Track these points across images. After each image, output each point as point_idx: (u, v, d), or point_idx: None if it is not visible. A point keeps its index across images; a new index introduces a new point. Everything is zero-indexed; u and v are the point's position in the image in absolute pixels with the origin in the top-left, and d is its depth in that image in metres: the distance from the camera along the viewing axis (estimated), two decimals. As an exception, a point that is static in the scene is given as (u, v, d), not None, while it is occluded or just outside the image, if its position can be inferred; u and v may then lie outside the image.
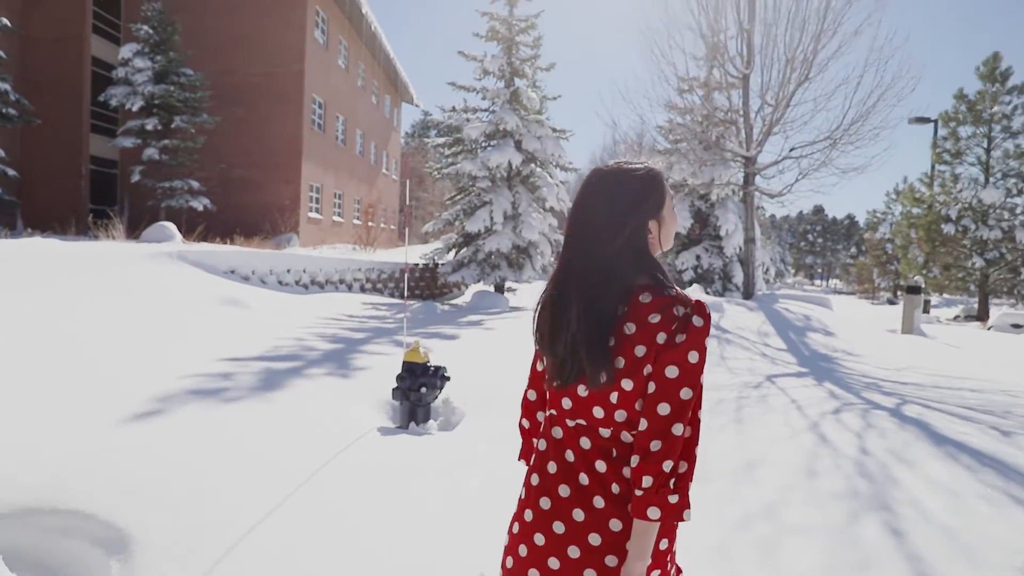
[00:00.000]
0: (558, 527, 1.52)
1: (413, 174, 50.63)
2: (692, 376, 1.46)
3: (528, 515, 1.58)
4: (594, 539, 1.49)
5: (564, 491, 1.53)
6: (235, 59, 23.36)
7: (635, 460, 1.45)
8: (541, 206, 19.08)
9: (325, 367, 6.69)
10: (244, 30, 23.40)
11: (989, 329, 20.60)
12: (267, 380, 5.86)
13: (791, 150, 14.18)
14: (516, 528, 1.62)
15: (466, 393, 6.05)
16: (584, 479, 1.51)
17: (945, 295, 34.34)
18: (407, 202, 5.89)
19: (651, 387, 1.46)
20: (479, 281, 18.95)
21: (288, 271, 14.50)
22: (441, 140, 19.52)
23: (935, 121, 27.48)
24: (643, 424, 1.45)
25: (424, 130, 66.96)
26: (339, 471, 4.06)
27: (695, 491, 3.93)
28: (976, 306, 29.04)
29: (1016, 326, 19.41)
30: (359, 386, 6.06)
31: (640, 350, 1.45)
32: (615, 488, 1.49)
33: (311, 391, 5.72)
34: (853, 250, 75.59)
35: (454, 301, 19.69)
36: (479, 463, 4.44)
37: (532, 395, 1.78)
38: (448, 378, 5.46)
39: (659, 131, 19.03)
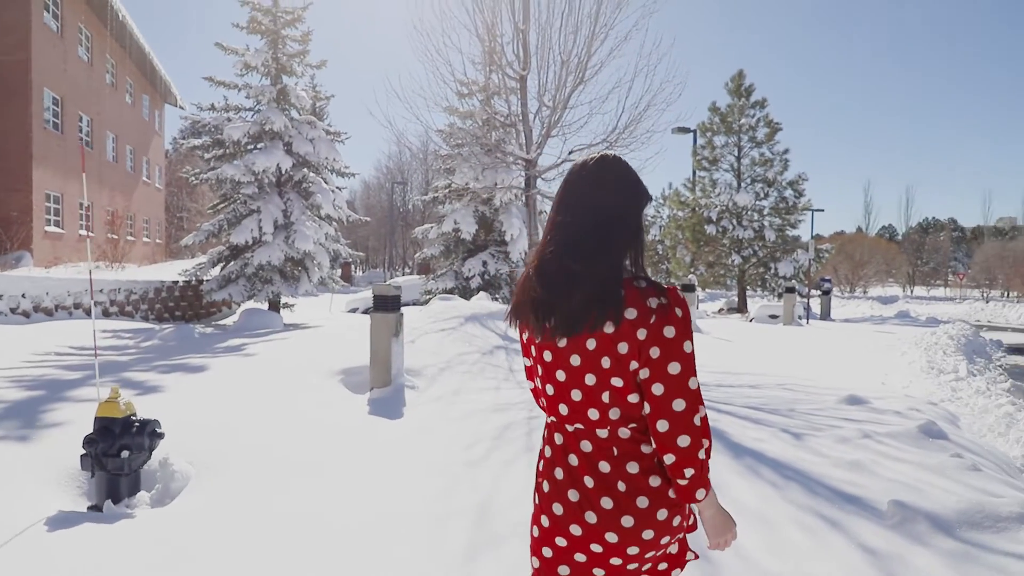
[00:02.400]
0: (575, 529, 1.55)
1: (182, 182, 46.20)
2: (692, 364, 1.51)
3: (544, 521, 1.62)
4: (611, 537, 1.52)
5: (573, 495, 1.55)
6: (-68, 42, 19.32)
7: (670, 458, 1.50)
8: (316, 214, 17.63)
9: None
10: (-57, 7, 19.43)
11: (751, 321, 22.29)
12: None
13: (570, 153, 14.07)
14: (536, 532, 1.66)
15: (197, 446, 4.76)
16: (589, 482, 1.53)
17: (708, 290, 37.33)
18: (85, 200, 4.50)
19: (659, 388, 1.49)
20: (250, 298, 17.07)
21: (-1, 297, 11.90)
22: (198, 141, 17.39)
23: (694, 131, 29.59)
24: (663, 425, 1.49)
25: (196, 135, 61.46)
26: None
27: (482, 560, 3.31)
28: (736, 299, 31.71)
29: (773, 316, 21.15)
30: (44, 452, 4.55)
31: (623, 347, 1.49)
32: (621, 486, 1.52)
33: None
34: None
35: (222, 322, 17.62)
36: (198, 560, 3.25)
37: (551, 389, 1.63)
38: (161, 435, 4.16)
39: (440, 135, 18.33)
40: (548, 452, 1.63)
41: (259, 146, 17.04)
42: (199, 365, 8.00)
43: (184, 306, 17.83)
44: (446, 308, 10.95)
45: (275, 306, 17.81)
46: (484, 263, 19.91)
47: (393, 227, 59.14)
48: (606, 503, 1.52)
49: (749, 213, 30.53)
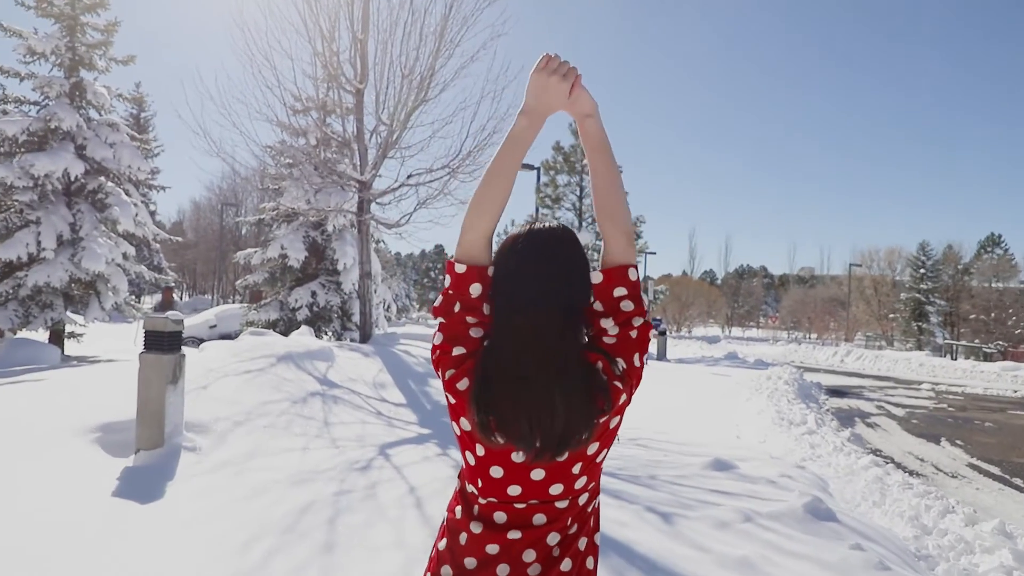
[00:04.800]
0: None
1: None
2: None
3: None
4: None
5: (503, 571, 1.39)
6: None
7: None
8: (112, 229, 15.17)
9: None
10: None
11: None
12: None
13: (408, 176, 12.94)
14: None
15: None
16: (530, 555, 1.39)
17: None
18: None
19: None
20: (23, 326, 14.31)
21: None
22: (-37, 136, 14.48)
23: (538, 168, 29.50)
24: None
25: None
26: None
27: None
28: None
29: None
30: None
31: (614, 420, 1.42)
32: (566, 565, 1.39)
33: None
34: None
35: (-17, 353, 14.61)
36: None
37: (497, 472, 1.40)
38: None
39: (269, 152, 16.53)
40: (477, 528, 1.40)
41: (54, 147, 14.44)
42: None
43: (-68, 334, 14.65)
44: (256, 345, 9.31)
45: (58, 336, 15.09)
46: (313, 293, 18.12)
47: (224, 252, 54.92)
48: (533, 571, 1.39)
49: (590, 252, 30.71)
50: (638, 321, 1.40)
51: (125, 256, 15.29)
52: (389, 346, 12.48)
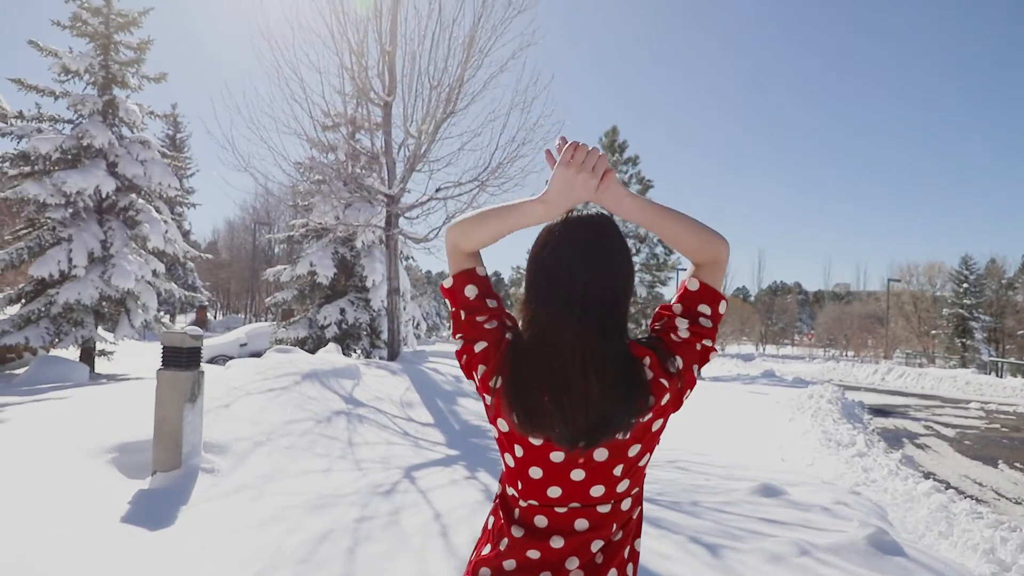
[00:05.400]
0: None
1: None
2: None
3: None
4: None
5: None
6: None
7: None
8: (142, 246, 15.17)
9: None
10: None
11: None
12: None
13: (437, 190, 12.73)
14: None
15: None
16: (572, 563, 1.34)
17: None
18: None
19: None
20: (54, 342, 14.33)
21: None
22: (-1, 154, 14.65)
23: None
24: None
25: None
26: None
27: None
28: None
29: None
30: None
31: (657, 424, 1.35)
32: (599, 558, 1.35)
33: None
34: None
35: (16, 371, 14.68)
36: None
37: (537, 472, 1.36)
38: None
39: (298, 168, 16.47)
40: (518, 533, 1.36)
41: (82, 164, 14.51)
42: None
43: (-37, 351, 14.75)
44: (281, 363, 9.09)
45: (88, 354, 15.08)
46: (342, 311, 17.98)
47: (257, 270, 55.36)
48: None
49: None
50: (707, 342, 1.37)
51: (155, 273, 15.28)
52: (417, 364, 12.23)
